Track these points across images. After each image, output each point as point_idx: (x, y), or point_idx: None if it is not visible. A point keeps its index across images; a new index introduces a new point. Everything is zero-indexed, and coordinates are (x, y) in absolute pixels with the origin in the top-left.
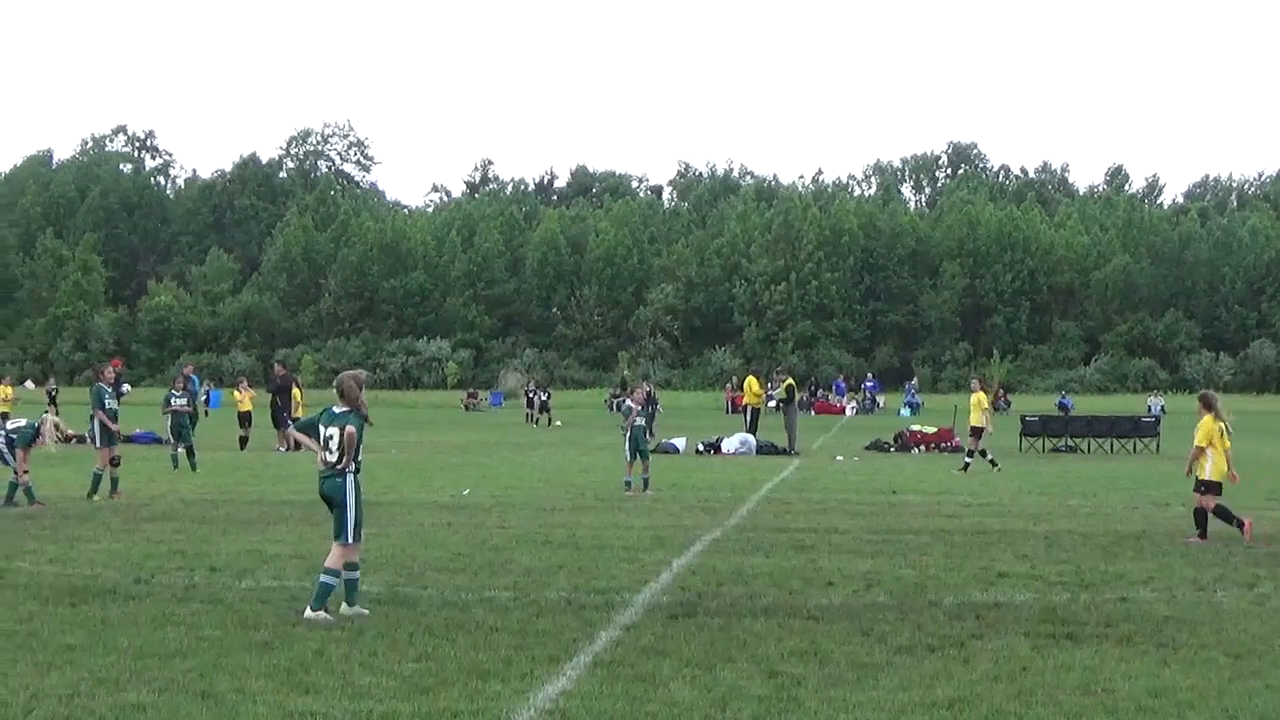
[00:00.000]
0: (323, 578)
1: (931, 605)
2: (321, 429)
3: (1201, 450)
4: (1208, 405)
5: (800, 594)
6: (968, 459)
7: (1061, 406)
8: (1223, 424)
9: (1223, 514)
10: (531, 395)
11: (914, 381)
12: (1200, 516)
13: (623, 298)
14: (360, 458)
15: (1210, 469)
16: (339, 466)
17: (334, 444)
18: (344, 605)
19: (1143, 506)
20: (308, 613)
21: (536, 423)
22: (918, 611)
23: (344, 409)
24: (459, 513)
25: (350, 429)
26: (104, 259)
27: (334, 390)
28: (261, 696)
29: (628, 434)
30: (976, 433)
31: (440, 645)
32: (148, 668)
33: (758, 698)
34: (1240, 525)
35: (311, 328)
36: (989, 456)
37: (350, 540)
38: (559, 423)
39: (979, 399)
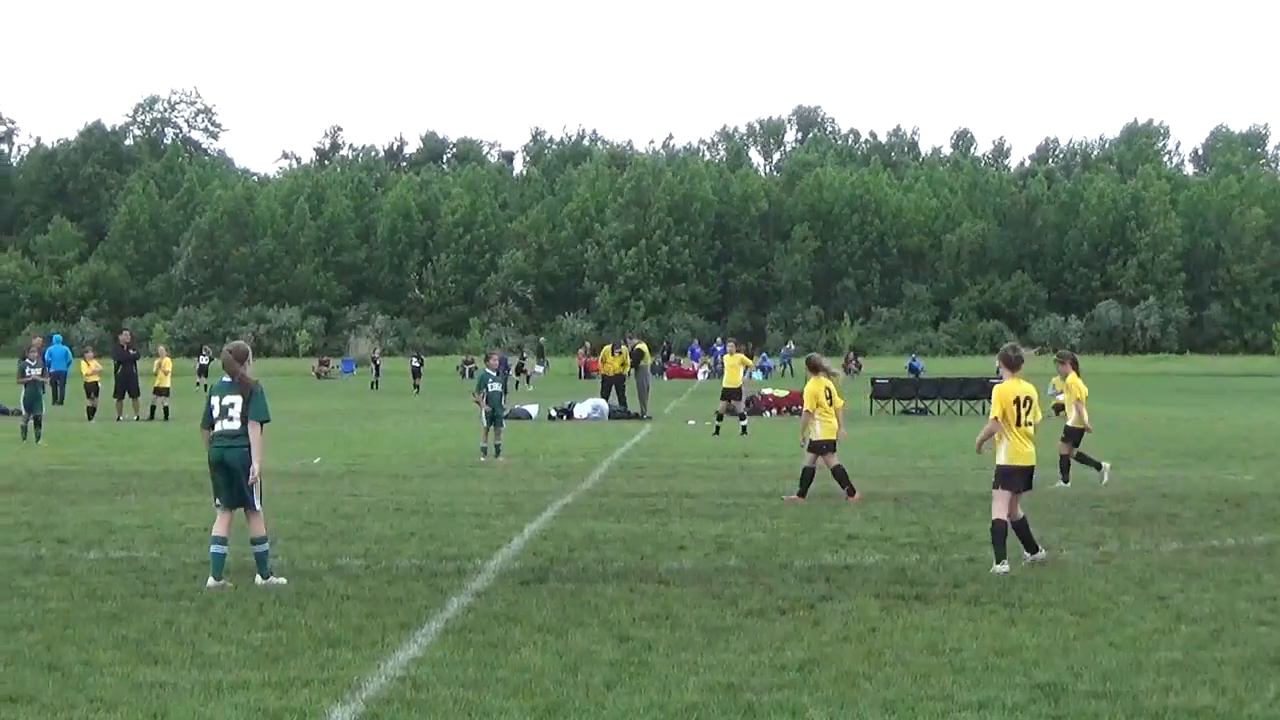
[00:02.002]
0: (256, 549)
1: (782, 568)
2: (215, 400)
3: (810, 414)
4: (813, 368)
5: (651, 558)
6: (718, 421)
7: (912, 369)
8: (829, 384)
9: (840, 475)
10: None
11: (790, 346)
12: (807, 476)
13: (478, 264)
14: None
15: (820, 429)
16: (238, 433)
17: (234, 411)
18: (258, 578)
19: (990, 468)
20: (258, 581)
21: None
22: (768, 574)
23: (229, 379)
24: (310, 481)
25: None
26: None
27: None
28: (109, 668)
29: (485, 402)
30: (733, 394)
31: (291, 614)
32: None
33: (609, 662)
34: (851, 491)
35: (161, 296)
36: (744, 421)
37: (257, 506)
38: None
39: (740, 359)
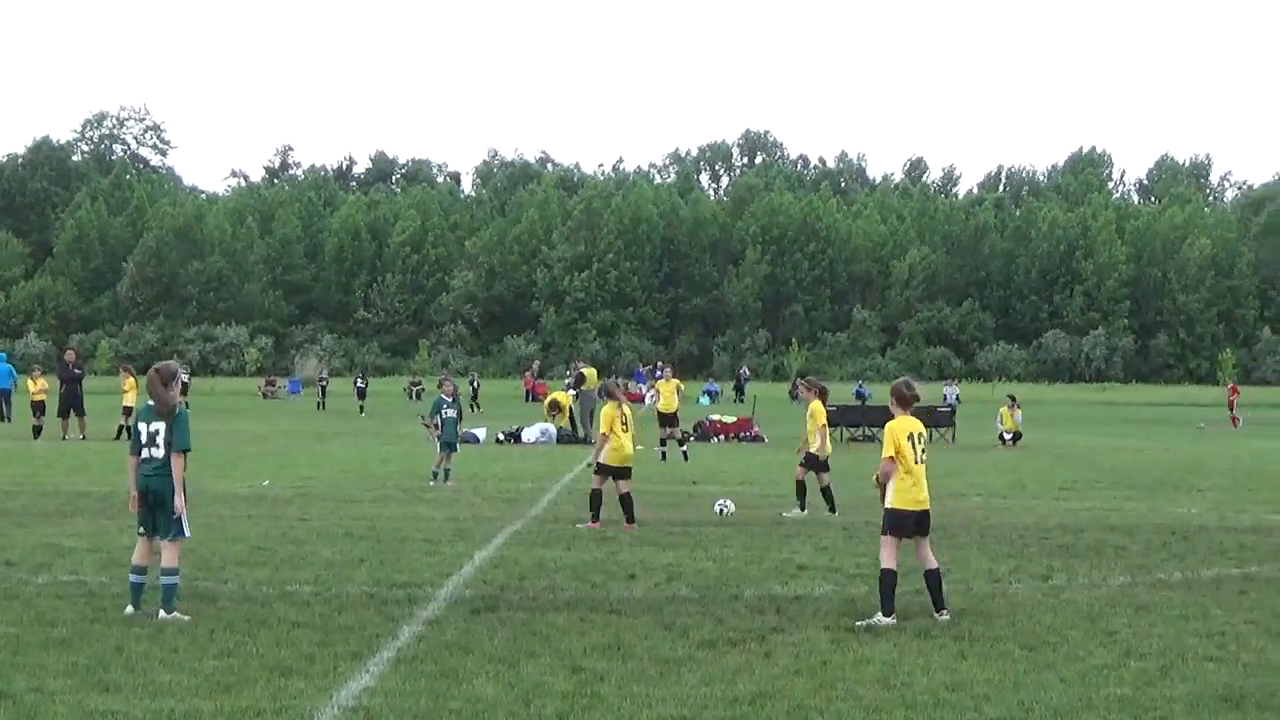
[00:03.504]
0: (165, 579)
1: (733, 598)
2: (143, 426)
3: (605, 436)
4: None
5: (602, 587)
6: (662, 448)
7: (858, 395)
8: (624, 412)
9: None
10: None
11: (745, 370)
12: (595, 498)
13: (426, 284)
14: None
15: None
16: (164, 462)
17: (159, 439)
18: (161, 611)
19: (938, 497)
20: (161, 614)
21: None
22: (719, 605)
23: (153, 403)
24: (259, 504)
25: (179, 460)
26: None
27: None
28: (60, 696)
29: (438, 428)
30: (669, 419)
31: (242, 642)
32: None
33: (561, 694)
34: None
35: (108, 313)
36: (683, 446)
37: (188, 534)
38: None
39: (675, 384)
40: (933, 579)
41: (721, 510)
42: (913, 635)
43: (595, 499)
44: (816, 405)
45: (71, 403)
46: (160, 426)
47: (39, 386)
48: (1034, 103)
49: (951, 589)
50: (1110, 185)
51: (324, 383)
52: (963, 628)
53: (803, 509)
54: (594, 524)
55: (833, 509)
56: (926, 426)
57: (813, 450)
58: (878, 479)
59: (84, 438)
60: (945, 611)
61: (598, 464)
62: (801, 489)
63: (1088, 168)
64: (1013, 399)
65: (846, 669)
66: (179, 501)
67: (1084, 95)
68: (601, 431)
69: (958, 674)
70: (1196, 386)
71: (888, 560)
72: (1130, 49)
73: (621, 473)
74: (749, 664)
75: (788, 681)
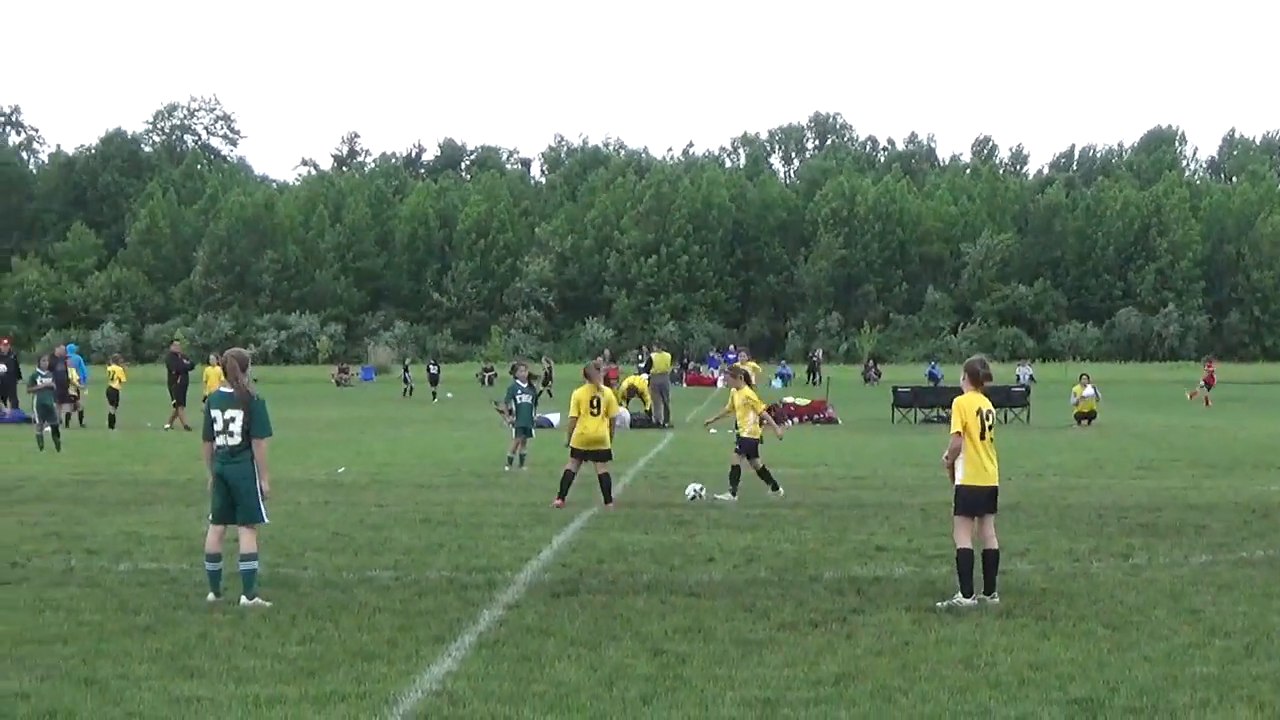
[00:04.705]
0: (244, 565)
1: (812, 580)
2: (217, 413)
3: (573, 419)
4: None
5: (681, 570)
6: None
7: (931, 376)
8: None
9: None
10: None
11: (819, 352)
12: (565, 478)
13: (497, 270)
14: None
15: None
16: (239, 448)
17: (235, 426)
18: (243, 598)
19: (1015, 477)
20: (243, 600)
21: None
22: (799, 586)
23: (229, 389)
24: (335, 491)
25: (262, 445)
26: None
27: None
28: (146, 682)
29: (512, 413)
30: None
31: (324, 627)
32: (28, 654)
33: (644, 676)
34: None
35: (182, 302)
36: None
37: (265, 520)
38: (450, 394)
39: (751, 367)
40: (990, 560)
41: (694, 495)
42: (995, 615)
43: (565, 478)
44: (747, 391)
45: (183, 393)
46: (236, 413)
47: (120, 375)
48: (1101, 81)
49: (1032, 569)
50: (1183, 163)
51: (408, 370)
52: (1045, 607)
53: (733, 494)
54: (558, 501)
55: (775, 487)
56: (1001, 407)
57: (744, 434)
58: (947, 458)
59: (187, 428)
60: (996, 596)
61: (570, 446)
62: (735, 474)
63: (1161, 145)
64: (1086, 377)
65: (929, 649)
66: (264, 485)
67: (1153, 72)
68: (570, 414)
69: (1041, 654)
70: (1272, 364)
71: (963, 540)
72: (1198, 24)
73: (593, 455)
74: (831, 645)
75: (870, 662)
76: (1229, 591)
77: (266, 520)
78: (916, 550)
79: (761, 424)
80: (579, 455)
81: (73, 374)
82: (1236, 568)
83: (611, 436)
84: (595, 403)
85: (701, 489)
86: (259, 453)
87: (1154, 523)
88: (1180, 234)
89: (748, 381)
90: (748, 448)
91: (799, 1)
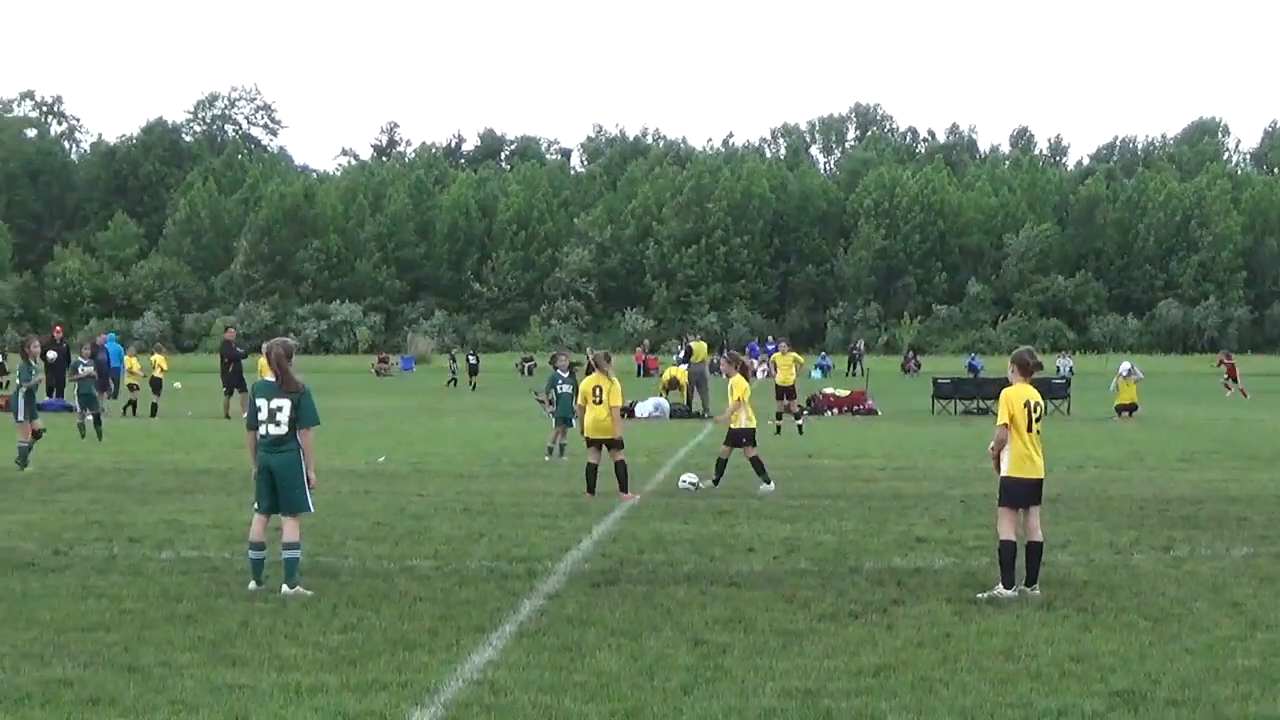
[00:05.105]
0: (287, 554)
1: (852, 571)
2: (263, 402)
3: (581, 408)
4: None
5: (721, 561)
6: (778, 421)
7: (971, 368)
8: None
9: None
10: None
11: (860, 343)
12: (588, 471)
13: (537, 260)
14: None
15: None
16: (285, 438)
17: (281, 416)
18: (284, 586)
19: (1056, 469)
20: (284, 589)
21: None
22: (839, 578)
23: (274, 379)
24: (376, 480)
25: (309, 435)
26: (8, 225)
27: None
28: (188, 670)
29: (552, 403)
30: (787, 392)
31: (365, 616)
32: (71, 641)
33: (684, 666)
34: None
35: (223, 292)
36: (799, 420)
37: (310, 509)
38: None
39: (793, 358)
40: (1034, 551)
41: (689, 486)
42: (1036, 607)
43: (588, 471)
44: (738, 379)
45: (236, 381)
46: (282, 403)
47: (159, 365)
48: (1141, 73)
49: (1073, 561)
50: (1225, 155)
51: (454, 360)
52: (1086, 599)
53: (716, 483)
54: (587, 494)
55: (766, 479)
56: (1041, 398)
57: (733, 426)
58: (993, 449)
59: (227, 416)
60: (1038, 588)
61: (585, 436)
62: (721, 465)
63: (1204, 137)
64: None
65: (970, 641)
66: (311, 475)
67: (1196, 65)
68: (578, 403)
69: (1082, 646)
70: None
71: (1006, 531)
72: (1240, 15)
73: (606, 443)
74: (872, 636)
75: (911, 654)
76: (1271, 584)
77: (311, 510)
78: (957, 542)
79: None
80: (593, 444)
81: (130, 362)
82: (1278, 560)
83: (617, 427)
84: (596, 392)
85: (696, 480)
86: (307, 442)
87: (1195, 515)
88: (1222, 226)
89: (743, 372)
90: (734, 438)
91: None
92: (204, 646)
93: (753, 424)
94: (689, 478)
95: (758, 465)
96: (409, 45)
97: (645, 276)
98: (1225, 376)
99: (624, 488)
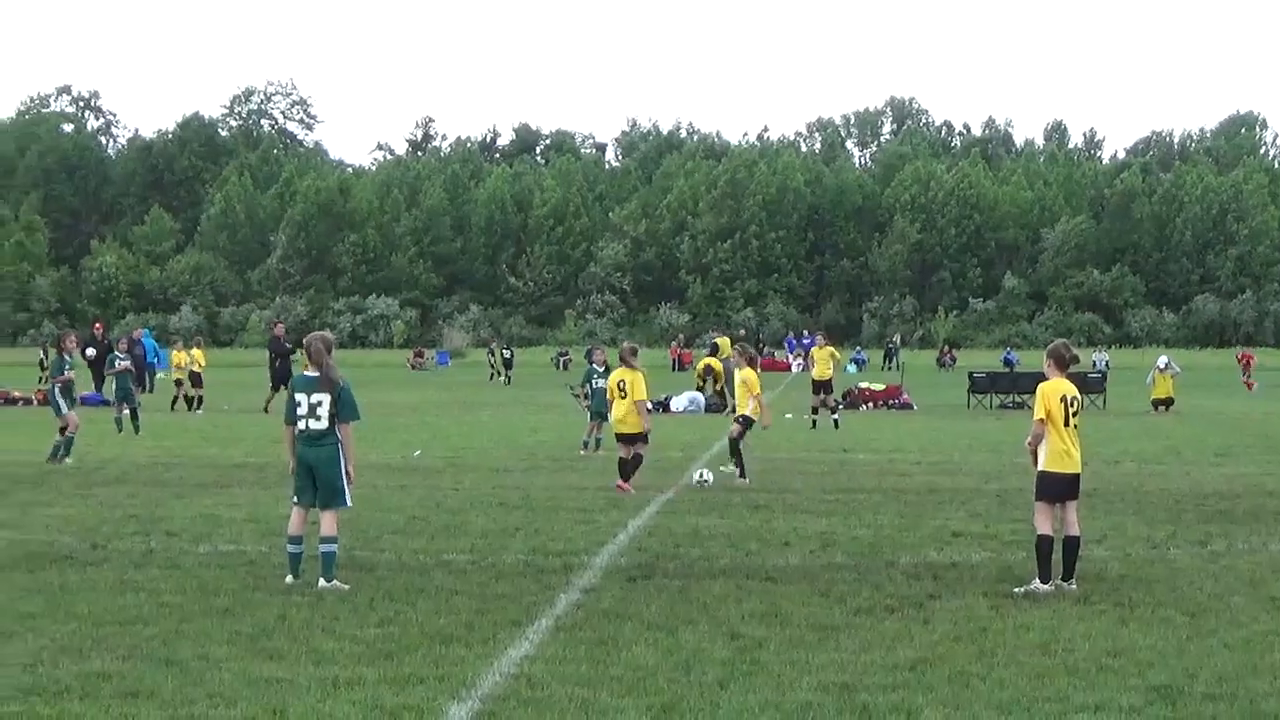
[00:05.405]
0: (324, 548)
1: (888, 565)
2: (302, 397)
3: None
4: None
5: (757, 555)
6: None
7: (1006, 362)
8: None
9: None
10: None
11: (896, 338)
12: (619, 465)
13: (572, 255)
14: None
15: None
16: (324, 433)
17: (321, 410)
18: (321, 580)
19: (1092, 463)
20: (321, 583)
21: (508, 380)
22: (875, 572)
23: (314, 374)
24: (412, 474)
25: (349, 429)
26: (45, 220)
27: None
28: (226, 664)
29: (588, 397)
30: (823, 386)
31: (402, 610)
32: (109, 635)
33: (720, 660)
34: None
35: (259, 286)
36: (835, 414)
37: (349, 504)
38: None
39: (830, 352)
40: (1071, 546)
41: (701, 482)
42: (1072, 602)
43: (619, 465)
44: (749, 373)
45: (284, 377)
46: (322, 397)
47: (198, 359)
48: (1178, 67)
49: (1109, 555)
50: (1262, 149)
51: (493, 354)
52: (1123, 594)
53: (742, 474)
54: (621, 486)
55: (739, 468)
56: (1079, 393)
57: (747, 413)
58: (1030, 444)
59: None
60: (1074, 582)
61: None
62: (736, 448)
63: (1241, 130)
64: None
65: (1007, 635)
66: (351, 470)
67: (1234, 59)
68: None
69: (1119, 640)
70: None
71: (1042, 526)
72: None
73: (628, 438)
74: (908, 630)
75: (948, 648)
76: None
77: (350, 504)
78: (993, 536)
79: (735, 409)
80: (622, 439)
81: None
82: None
83: (643, 420)
84: (621, 386)
85: (708, 474)
86: (346, 436)
87: (1232, 509)
88: (1259, 219)
89: (750, 363)
90: (746, 424)
91: None
92: (241, 640)
93: (755, 416)
94: (702, 471)
95: (734, 448)
96: (444, 40)
97: (680, 271)
98: (1245, 374)
99: (624, 478)
